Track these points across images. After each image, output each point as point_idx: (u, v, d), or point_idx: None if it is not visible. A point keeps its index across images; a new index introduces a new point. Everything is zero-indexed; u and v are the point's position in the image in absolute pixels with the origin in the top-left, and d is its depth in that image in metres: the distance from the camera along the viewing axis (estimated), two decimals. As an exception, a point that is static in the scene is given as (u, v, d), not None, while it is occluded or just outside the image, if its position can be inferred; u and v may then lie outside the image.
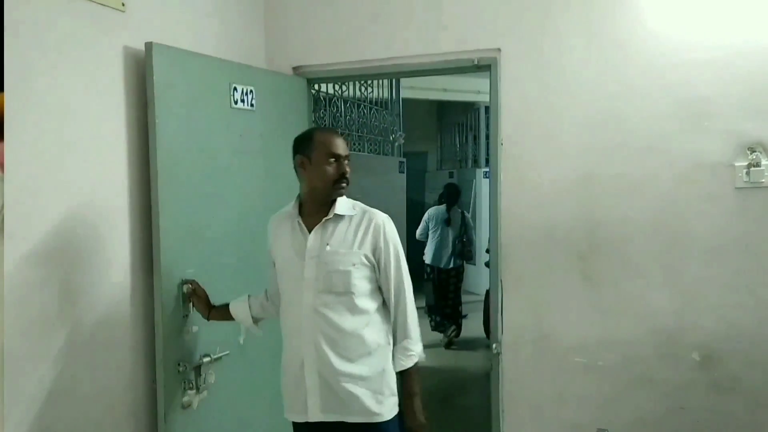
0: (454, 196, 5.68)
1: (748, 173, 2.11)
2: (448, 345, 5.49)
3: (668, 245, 2.23)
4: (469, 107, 7.38)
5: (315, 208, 1.80)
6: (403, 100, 6.02)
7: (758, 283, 2.13)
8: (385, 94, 5.63)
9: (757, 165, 2.10)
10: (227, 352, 2.14)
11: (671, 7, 2.20)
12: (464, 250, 5.67)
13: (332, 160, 1.76)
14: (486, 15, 2.42)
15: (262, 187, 2.41)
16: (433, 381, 4.32)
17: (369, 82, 5.43)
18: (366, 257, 1.77)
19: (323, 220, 1.78)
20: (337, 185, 1.77)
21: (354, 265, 1.75)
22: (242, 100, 2.32)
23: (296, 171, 1.83)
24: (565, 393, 2.34)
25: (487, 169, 7.86)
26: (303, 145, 1.80)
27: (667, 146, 2.21)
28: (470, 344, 5.61)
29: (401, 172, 4.32)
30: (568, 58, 2.32)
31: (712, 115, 2.15)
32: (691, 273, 2.21)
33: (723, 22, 2.14)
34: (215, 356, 2.11)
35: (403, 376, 1.82)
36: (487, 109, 5.91)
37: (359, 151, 4.48)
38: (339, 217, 1.79)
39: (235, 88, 2.28)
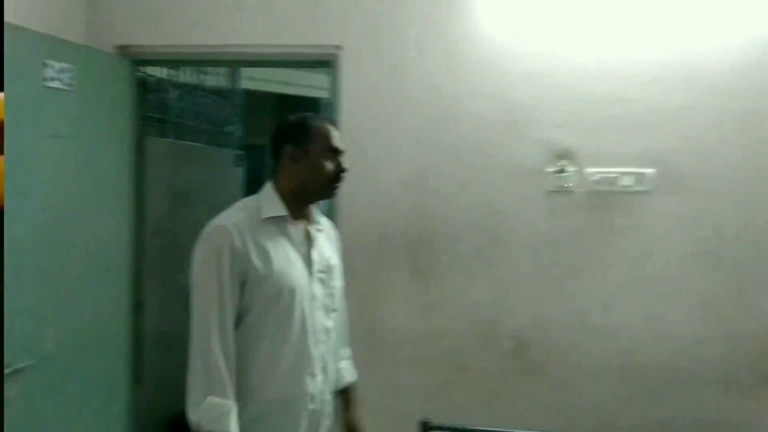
0: None
1: (556, 178, 2.35)
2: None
3: (489, 242, 2.41)
4: (313, 103, 7.34)
5: (300, 211, 1.56)
6: (244, 90, 5.81)
7: (563, 277, 2.38)
8: (224, 83, 5.39)
9: (564, 171, 2.35)
10: (32, 361, 1.91)
11: (505, 18, 2.36)
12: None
13: (332, 154, 1.54)
14: (330, 10, 2.42)
15: (77, 176, 2.18)
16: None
17: (206, 68, 5.16)
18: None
19: (316, 228, 1.60)
20: (334, 183, 1.56)
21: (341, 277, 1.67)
22: (57, 79, 2.08)
23: (278, 162, 1.56)
24: (394, 385, 2.43)
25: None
26: (296, 134, 1.54)
27: (492, 150, 2.39)
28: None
29: (238, 165, 4.17)
30: (407, 60, 2.40)
31: (530, 124, 2.36)
32: (508, 268, 2.41)
33: (545, 38, 2.34)
34: (14, 368, 1.86)
35: (351, 387, 1.75)
36: (328, 106, 5.93)
37: (193, 141, 4.25)
38: (323, 225, 1.65)
39: (48, 65, 2.03)
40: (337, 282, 1.63)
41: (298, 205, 1.56)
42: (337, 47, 2.43)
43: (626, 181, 2.32)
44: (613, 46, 2.31)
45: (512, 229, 2.40)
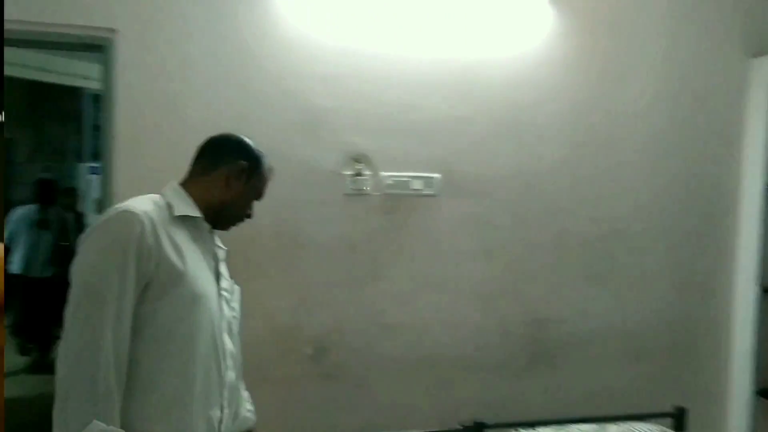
0: (50, 194, 4.93)
1: (354, 181, 2.38)
2: (34, 369, 4.75)
3: (287, 245, 2.34)
4: (75, 93, 6.53)
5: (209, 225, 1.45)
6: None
7: (361, 279, 2.41)
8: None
9: (361, 175, 2.38)
10: None
11: (304, 16, 2.29)
12: (64, 258, 4.97)
13: (256, 198, 1.53)
14: (102, -12, 2.12)
15: None
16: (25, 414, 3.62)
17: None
18: None
19: (219, 248, 1.50)
20: (236, 223, 1.52)
21: None
22: None
23: (208, 169, 1.44)
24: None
25: (95, 165, 7.12)
26: (252, 161, 1.49)
27: (288, 152, 2.31)
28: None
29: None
30: (193, 52, 2.21)
31: (327, 127, 2.35)
32: (306, 272, 2.37)
33: (340, 39, 2.33)
34: None
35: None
36: (96, 97, 5.31)
37: None
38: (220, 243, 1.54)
39: None
40: (239, 306, 1.50)
41: (209, 219, 1.45)
42: (111, 30, 2.14)
43: (417, 185, 2.44)
44: (403, 55, 2.40)
45: (310, 233, 2.36)
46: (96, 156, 7.67)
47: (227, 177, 1.43)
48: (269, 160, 1.57)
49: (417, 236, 2.46)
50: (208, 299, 1.31)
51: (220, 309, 1.38)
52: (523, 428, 2.18)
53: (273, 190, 2.26)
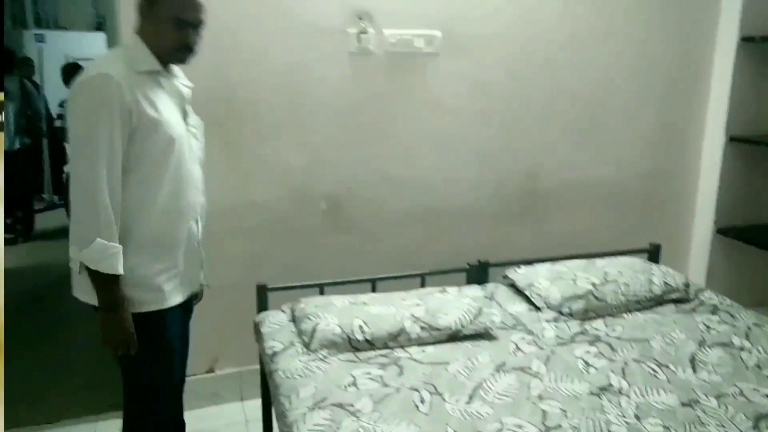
0: (9, 64, 4.68)
1: (358, 39, 2.39)
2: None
3: (295, 107, 2.40)
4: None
5: (166, 66, 1.57)
6: None
7: (368, 137, 2.52)
8: None
9: (365, 32, 2.40)
10: None
11: None
12: (31, 126, 4.84)
13: (177, 24, 1.49)
14: None
15: None
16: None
17: None
18: None
19: (183, 84, 1.63)
20: (177, 55, 1.54)
21: None
22: None
23: (137, 11, 1.53)
24: (221, 254, 2.37)
25: (39, 32, 6.66)
26: None
27: (292, 9, 2.30)
28: (51, 235, 5.03)
29: None
30: None
31: (331, -17, 2.32)
32: (317, 132, 2.45)
33: None
34: None
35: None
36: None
37: None
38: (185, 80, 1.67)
39: None
40: (203, 139, 1.70)
41: (162, 60, 1.54)
42: None
43: (418, 43, 2.48)
44: None
45: (318, 94, 2.41)
46: (39, 23, 7.15)
47: (140, 20, 1.53)
48: None
49: (419, 95, 2.54)
50: (180, 138, 1.54)
51: (189, 144, 1.60)
52: (521, 266, 2.44)
53: (280, 49, 2.31)
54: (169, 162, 1.52)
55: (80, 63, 4.77)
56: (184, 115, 1.61)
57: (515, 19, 2.58)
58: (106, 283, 1.48)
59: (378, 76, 2.46)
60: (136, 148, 1.46)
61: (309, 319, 1.98)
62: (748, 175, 3.01)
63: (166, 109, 1.51)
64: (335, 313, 1.99)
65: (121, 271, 1.48)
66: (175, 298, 1.64)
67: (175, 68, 1.63)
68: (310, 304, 2.08)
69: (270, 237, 2.45)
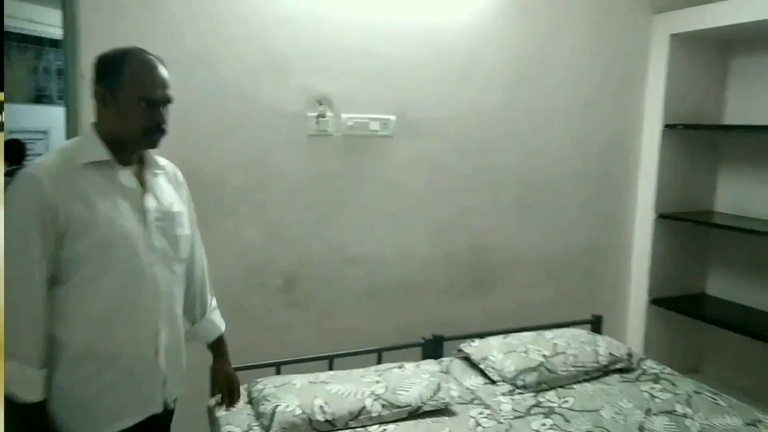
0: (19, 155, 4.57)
1: (317, 123, 2.50)
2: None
3: (256, 185, 2.45)
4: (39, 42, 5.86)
5: (129, 155, 1.44)
6: None
7: (326, 216, 2.58)
8: None
9: (324, 116, 2.51)
10: None
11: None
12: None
13: (144, 105, 1.38)
14: None
15: None
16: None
17: None
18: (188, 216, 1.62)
19: (155, 173, 1.50)
20: (148, 138, 1.42)
21: (189, 226, 1.60)
22: None
23: (94, 100, 1.41)
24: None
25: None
26: (108, 73, 1.38)
27: (255, 94, 2.39)
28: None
29: None
30: (160, -7, 2.20)
31: (291, 69, 2.44)
32: (275, 210, 2.50)
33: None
34: None
35: (220, 339, 1.80)
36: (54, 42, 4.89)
37: None
38: (159, 167, 1.53)
39: None
40: (183, 230, 1.54)
41: (124, 149, 1.43)
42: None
43: (374, 126, 2.61)
44: (361, 5, 2.51)
45: (277, 173, 2.48)
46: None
47: (99, 107, 1.40)
48: (138, 55, 1.40)
49: (374, 175, 2.65)
50: (129, 236, 1.37)
51: (149, 243, 1.42)
52: (475, 340, 2.51)
53: (240, 131, 2.38)
54: (109, 265, 1.34)
55: (19, 138, 4.68)
56: (144, 211, 1.42)
57: (463, 105, 2.76)
58: (24, 411, 1.29)
59: (335, 156, 2.57)
60: (67, 250, 1.30)
61: (267, 400, 1.96)
62: (676, 249, 3.25)
63: (108, 205, 1.34)
64: (295, 393, 1.99)
65: (39, 397, 1.30)
66: (121, 423, 1.42)
67: (149, 154, 1.50)
68: (268, 384, 2.07)
69: (223, 315, 2.43)
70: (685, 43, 3.08)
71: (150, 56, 1.42)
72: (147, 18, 2.19)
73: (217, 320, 1.80)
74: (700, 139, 3.21)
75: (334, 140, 2.55)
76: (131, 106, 1.37)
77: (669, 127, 3.10)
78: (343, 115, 2.55)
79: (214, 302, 1.80)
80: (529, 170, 2.96)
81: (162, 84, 1.41)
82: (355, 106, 2.57)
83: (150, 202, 1.45)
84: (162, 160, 1.57)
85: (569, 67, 2.97)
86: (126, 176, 1.42)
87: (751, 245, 3.05)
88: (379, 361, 2.39)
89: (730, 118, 3.20)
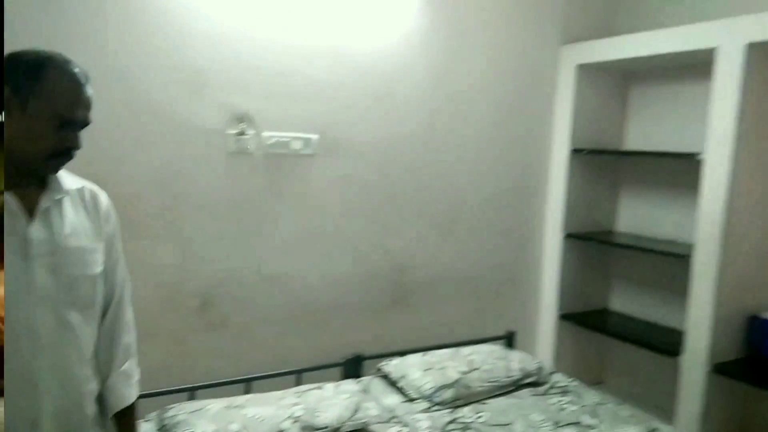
0: None
1: (237, 140, 2.47)
2: None
3: (172, 203, 2.38)
4: None
5: (21, 178, 1.21)
6: None
7: (244, 235, 2.54)
8: None
9: (244, 134, 2.48)
10: None
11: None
12: None
13: (58, 124, 1.19)
14: None
15: None
16: None
17: None
18: (103, 253, 1.36)
19: (56, 198, 1.26)
20: (51, 161, 1.23)
21: (100, 264, 1.34)
22: None
23: None
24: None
25: None
26: (21, 78, 1.16)
27: (172, 110, 2.33)
28: None
29: None
30: (74, 4, 2.10)
31: (210, 86, 2.40)
32: (190, 229, 2.43)
33: (225, 4, 2.37)
34: None
35: (125, 414, 1.43)
36: None
37: None
38: (66, 193, 1.30)
39: None
40: (83, 269, 1.29)
41: (16, 169, 1.20)
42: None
43: (296, 145, 2.61)
44: (283, 22, 2.52)
45: (194, 191, 2.42)
46: None
47: (4, 114, 1.16)
48: (63, 64, 1.21)
49: (295, 193, 2.64)
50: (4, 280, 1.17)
51: (27, 282, 1.19)
52: (394, 358, 2.54)
53: (155, 147, 2.31)
54: None
55: None
56: (26, 242, 1.20)
57: (384, 127, 2.81)
58: None
59: (256, 174, 2.54)
60: None
61: (180, 428, 1.90)
62: (582, 267, 3.44)
63: None
64: (209, 419, 1.93)
65: None
66: None
67: (55, 178, 1.28)
68: (181, 411, 2.00)
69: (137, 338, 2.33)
70: (590, 73, 3.29)
71: (77, 69, 1.23)
72: (58, 24, 2.09)
73: (121, 388, 1.41)
74: (603, 163, 3.43)
75: (254, 158, 2.52)
76: (42, 122, 1.17)
77: (576, 152, 3.30)
78: (265, 134, 2.53)
79: (128, 365, 1.44)
80: (447, 191, 3.05)
81: (85, 104, 1.23)
82: (276, 124, 2.55)
83: (35, 233, 1.21)
84: (76, 182, 1.35)
85: (484, 92, 3.09)
86: (9, 199, 1.19)
87: (647, 263, 3.28)
88: (299, 383, 2.37)
89: (630, 144, 3.44)
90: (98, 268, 1.34)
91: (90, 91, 1.26)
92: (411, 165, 2.92)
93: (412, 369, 2.42)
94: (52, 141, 1.19)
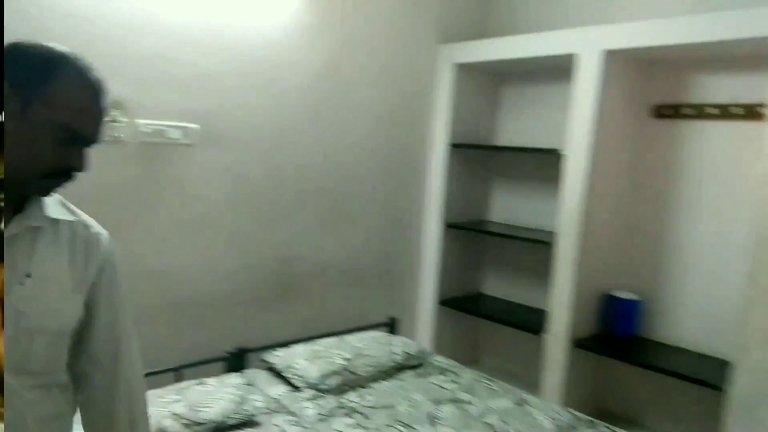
0: None
1: (109, 128, 2.33)
2: None
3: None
4: None
5: (5, 190, 0.94)
6: None
7: (120, 226, 2.39)
8: None
9: (116, 121, 2.35)
10: None
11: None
12: None
13: (64, 137, 0.96)
14: None
15: None
16: None
17: None
18: (83, 305, 1.08)
19: (25, 225, 0.99)
20: (45, 182, 0.99)
21: (71, 320, 1.06)
22: None
23: None
24: None
25: None
26: (26, 74, 0.93)
27: (34, 94, 2.16)
28: None
29: None
30: None
31: (78, 70, 2.24)
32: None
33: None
34: None
35: None
36: None
37: None
38: (47, 222, 1.02)
39: None
40: (39, 321, 1.01)
41: (7, 177, 0.95)
42: None
43: (174, 134, 2.51)
44: (163, 8, 2.41)
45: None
46: None
47: (6, 118, 0.93)
48: (79, 65, 1.01)
49: (174, 185, 2.55)
50: None
51: (15, 310, 0.97)
52: (279, 349, 2.54)
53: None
54: None
55: None
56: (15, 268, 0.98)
57: (267, 118, 2.79)
58: None
59: (129, 164, 2.41)
60: None
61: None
62: (460, 255, 3.64)
63: None
64: (84, 420, 1.83)
65: None
66: None
67: (38, 200, 1.04)
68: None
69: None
70: (467, 72, 3.48)
71: (95, 73, 1.02)
72: None
73: None
74: (478, 157, 3.64)
75: (128, 147, 2.40)
76: (43, 131, 0.95)
77: (453, 146, 3.47)
78: (140, 121, 2.41)
79: None
80: (331, 182, 3.08)
81: (98, 117, 1.02)
82: (153, 112, 2.44)
83: (47, 251, 0.98)
84: (67, 213, 1.08)
85: (368, 87, 3.16)
86: None
87: (517, 250, 3.54)
88: (180, 380, 2.30)
89: (502, 139, 3.68)
90: (66, 325, 1.06)
91: (106, 102, 1.06)
92: (295, 156, 2.93)
93: (298, 359, 2.44)
94: (51, 156, 0.96)
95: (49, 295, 1.03)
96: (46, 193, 1.03)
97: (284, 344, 2.59)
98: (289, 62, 2.83)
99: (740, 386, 2.43)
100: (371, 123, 3.21)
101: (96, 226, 1.16)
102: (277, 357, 2.48)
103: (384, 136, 3.29)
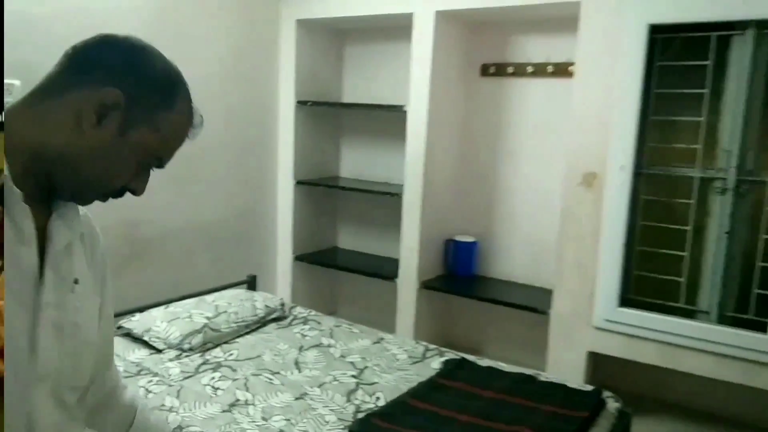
0: None
1: None
2: None
3: None
4: None
5: (33, 189, 0.81)
6: None
7: None
8: None
9: None
10: None
11: None
12: None
13: (148, 162, 0.89)
14: None
15: None
16: None
17: None
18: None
19: (77, 232, 0.91)
20: (104, 197, 0.90)
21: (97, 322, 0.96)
22: None
23: (64, 94, 0.81)
24: None
25: None
26: (149, 92, 0.85)
27: None
28: None
29: None
30: None
31: None
32: None
33: None
34: None
35: None
36: None
37: None
38: (80, 228, 0.93)
39: None
40: (86, 334, 0.92)
41: (35, 180, 0.83)
42: None
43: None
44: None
45: None
46: None
47: (77, 112, 0.82)
48: (187, 100, 0.97)
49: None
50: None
51: (30, 348, 0.81)
52: (135, 314, 2.47)
53: None
54: None
55: None
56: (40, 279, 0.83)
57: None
58: None
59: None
60: None
61: None
62: (313, 211, 3.74)
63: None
64: None
65: None
66: None
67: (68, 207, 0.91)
68: None
69: None
70: (309, 29, 3.51)
71: (192, 105, 0.96)
72: None
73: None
74: (326, 114, 3.73)
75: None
76: (136, 152, 0.87)
77: (301, 104, 3.52)
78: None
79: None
80: (178, 142, 2.99)
81: (178, 142, 0.95)
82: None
83: (50, 270, 0.84)
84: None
85: (210, 45, 3.09)
86: (19, 210, 0.78)
87: (368, 203, 3.72)
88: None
89: (348, 96, 3.80)
90: (98, 335, 0.96)
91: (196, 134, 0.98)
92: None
93: (156, 321, 2.40)
94: (127, 177, 0.89)
95: (90, 300, 0.95)
96: (88, 203, 0.93)
97: (141, 309, 2.52)
98: (125, 14, 2.67)
99: (558, 309, 2.85)
100: (217, 82, 3.15)
101: (90, 219, 1.02)
102: (134, 322, 2.42)
103: (231, 94, 3.25)
